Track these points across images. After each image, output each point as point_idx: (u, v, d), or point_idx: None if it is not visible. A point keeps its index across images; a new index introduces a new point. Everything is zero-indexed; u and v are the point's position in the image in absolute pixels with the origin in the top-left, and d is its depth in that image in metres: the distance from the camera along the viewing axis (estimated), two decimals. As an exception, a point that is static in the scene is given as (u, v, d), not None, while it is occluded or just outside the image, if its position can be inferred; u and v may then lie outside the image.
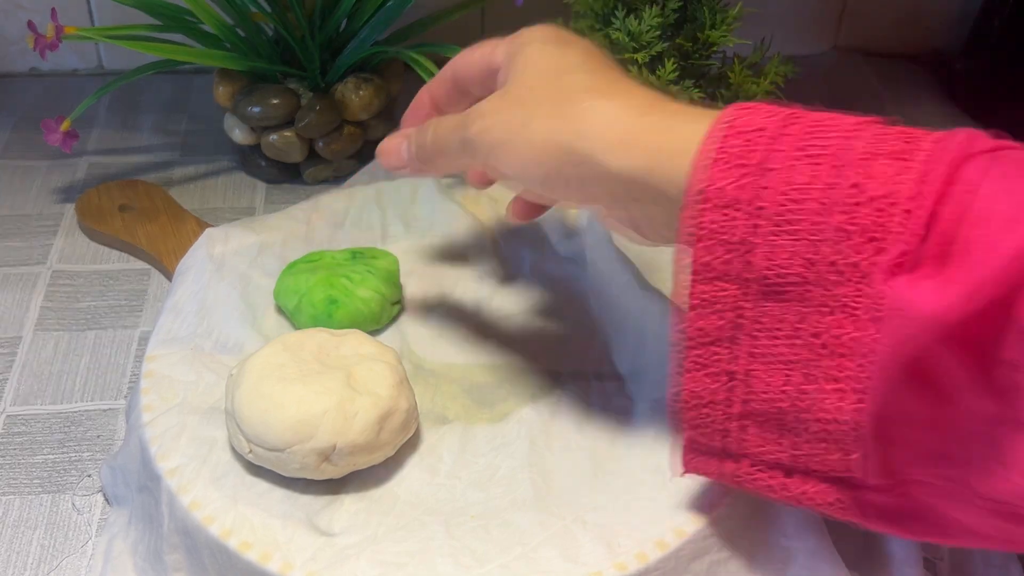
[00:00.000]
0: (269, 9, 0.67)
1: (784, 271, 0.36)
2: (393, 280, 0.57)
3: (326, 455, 0.45)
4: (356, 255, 0.58)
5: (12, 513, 0.50)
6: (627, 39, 0.65)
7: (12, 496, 0.51)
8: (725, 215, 0.36)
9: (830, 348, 0.36)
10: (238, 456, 0.47)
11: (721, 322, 0.38)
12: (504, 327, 0.56)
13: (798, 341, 0.37)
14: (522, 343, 0.56)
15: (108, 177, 0.74)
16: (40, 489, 0.52)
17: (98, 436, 0.54)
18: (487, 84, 0.47)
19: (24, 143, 0.77)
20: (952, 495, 0.37)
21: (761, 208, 0.36)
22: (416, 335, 0.56)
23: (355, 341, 0.50)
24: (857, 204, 0.35)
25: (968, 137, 0.36)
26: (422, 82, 0.65)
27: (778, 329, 0.37)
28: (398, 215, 0.64)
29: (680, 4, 0.66)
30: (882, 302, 0.34)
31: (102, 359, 0.59)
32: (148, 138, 0.79)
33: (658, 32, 0.65)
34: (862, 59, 0.92)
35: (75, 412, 0.56)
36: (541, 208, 0.52)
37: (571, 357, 0.55)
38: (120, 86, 0.68)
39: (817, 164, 0.36)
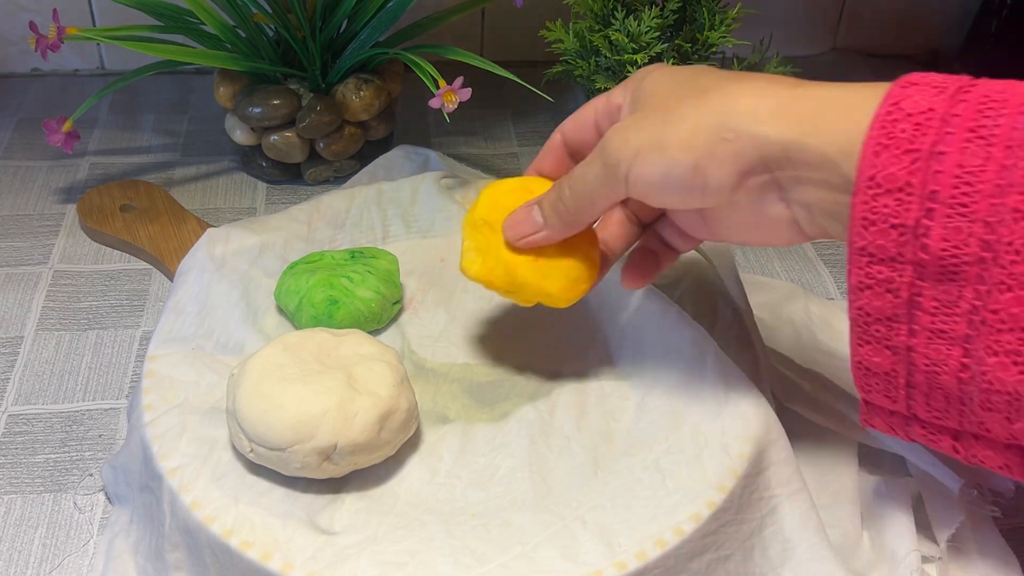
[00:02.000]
0: (270, 10, 0.68)
1: (960, 252, 0.37)
2: (393, 280, 0.57)
3: (327, 454, 0.45)
4: (356, 255, 0.58)
5: (14, 512, 0.50)
6: (626, 40, 0.65)
7: (14, 495, 0.51)
8: (898, 200, 0.37)
9: (1009, 324, 0.37)
10: (239, 455, 0.47)
11: (896, 300, 0.39)
12: (504, 327, 0.57)
13: (975, 318, 0.37)
14: (522, 343, 0.56)
15: (109, 177, 0.74)
16: (42, 488, 0.52)
17: (99, 435, 0.55)
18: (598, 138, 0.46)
19: (26, 143, 0.78)
20: None
21: (934, 192, 0.36)
22: (416, 335, 0.56)
23: (355, 341, 0.50)
24: None
25: None
26: (422, 83, 0.65)
27: (954, 306, 0.38)
28: (398, 215, 0.64)
29: (679, 5, 0.66)
30: None
31: (103, 359, 0.59)
32: (149, 138, 0.79)
33: (657, 33, 0.65)
34: (861, 60, 0.92)
35: (77, 412, 0.56)
36: (654, 270, 0.50)
37: (571, 357, 0.55)
38: (121, 87, 0.68)
39: (990, 146, 0.36)
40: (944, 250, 0.37)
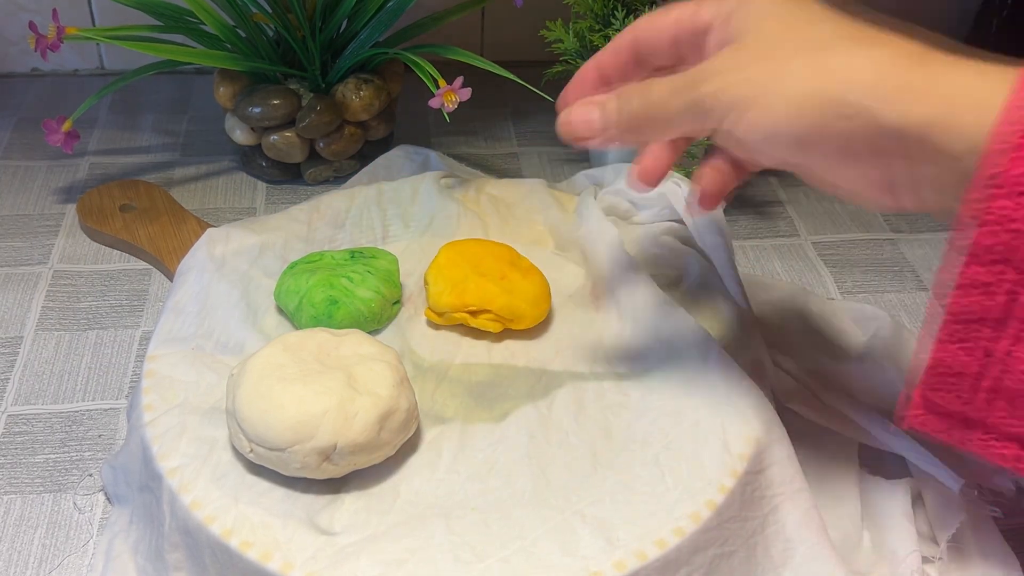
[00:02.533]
0: (270, 10, 0.68)
1: None
2: (393, 280, 0.57)
3: (327, 455, 0.45)
4: (356, 255, 0.58)
5: (14, 512, 0.50)
6: (627, 40, 0.65)
7: (14, 495, 0.51)
8: (1019, 204, 0.34)
9: None
10: (239, 456, 0.47)
11: (991, 303, 0.36)
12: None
13: None
14: (521, 342, 0.56)
15: (109, 177, 0.74)
16: (41, 488, 0.52)
17: (99, 436, 0.55)
18: (683, 51, 0.43)
19: (25, 143, 0.78)
20: None
21: None
22: (416, 335, 0.56)
23: (355, 341, 0.50)
24: None
25: None
26: (422, 83, 0.65)
27: None
28: (398, 215, 0.64)
29: (680, 5, 0.66)
30: None
31: (103, 359, 0.59)
32: (149, 138, 0.79)
33: (658, 33, 0.65)
34: (861, 59, 0.92)
35: (76, 412, 0.56)
36: (727, 188, 0.45)
37: (570, 356, 0.55)
38: (121, 86, 0.68)
39: None
40: None
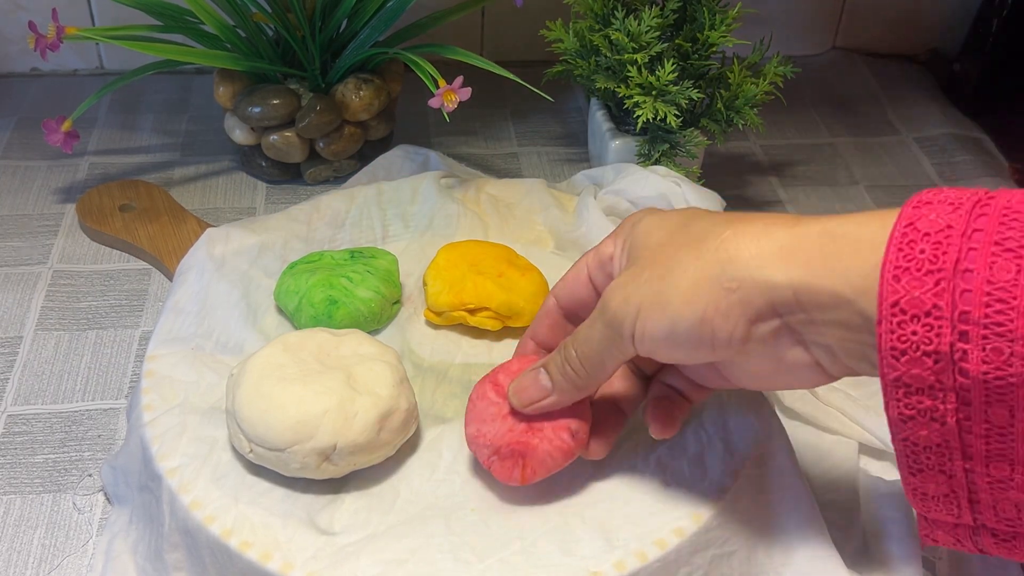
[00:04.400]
0: (270, 10, 0.68)
1: (1005, 372, 0.34)
2: (393, 280, 0.57)
3: (326, 455, 0.45)
4: (356, 255, 0.58)
5: (13, 512, 0.50)
6: (627, 40, 0.65)
7: (13, 495, 0.51)
8: (927, 326, 0.35)
9: None
10: (239, 456, 0.47)
11: (943, 428, 0.36)
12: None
13: None
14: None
15: (109, 177, 0.74)
16: (41, 488, 0.52)
17: (99, 436, 0.55)
18: (601, 290, 0.45)
19: (25, 143, 0.77)
20: None
21: (965, 313, 0.34)
22: (416, 335, 0.56)
23: (355, 341, 0.50)
24: None
25: None
26: (422, 83, 0.65)
27: (1009, 428, 0.35)
28: (398, 215, 0.64)
29: (679, 5, 0.66)
30: None
31: (103, 359, 0.59)
32: (149, 138, 0.79)
33: (657, 33, 0.65)
34: (861, 59, 0.92)
35: (76, 412, 0.56)
36: (677, 417, 0.46)
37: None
38: (121, 86, 0.68)
39: (1019, 258, 0.34)
40: (985, 372, 0.34)
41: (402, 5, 0.68)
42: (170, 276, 0.64)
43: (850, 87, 0.89)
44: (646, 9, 0.65)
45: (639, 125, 0.65)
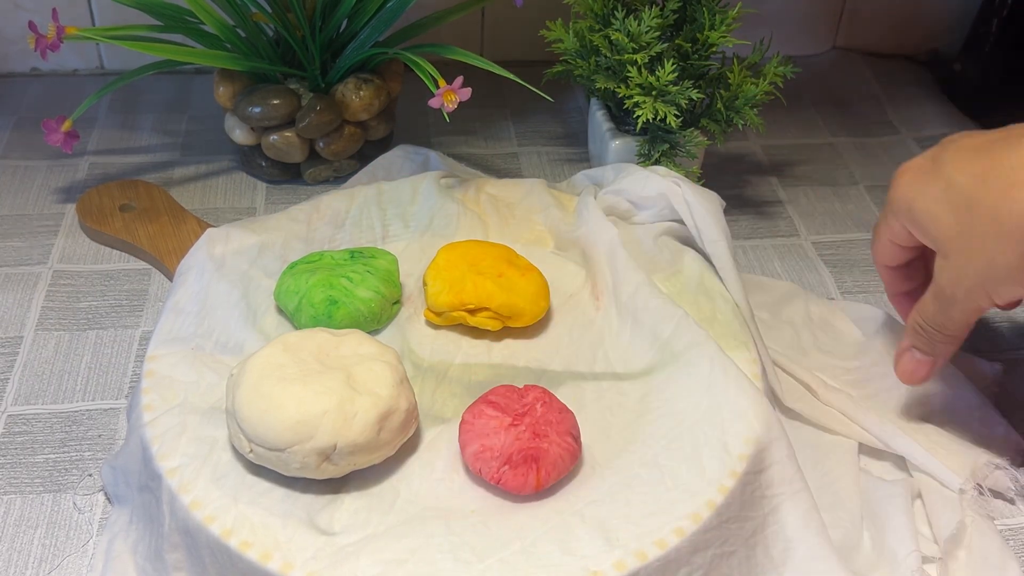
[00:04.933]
0: (269, 10, 0.68)
1: None
2: (393, 280, 0.57)
3: (326, 455, 0.45)
4: (356, 255, 0.58)
5: (13, 512, 0.50)
6: (627, 40, 0.65)
7: (13, 495, 0.51)
8: None
9: None
10: (239, 456, 0.47)
11: None
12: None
13: None
14: (521, 342, 0.56)
15: (109, 177, 0.74)
16: (41, 488, 0.52)
17: (99, 436, 0.55)
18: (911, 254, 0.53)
19: (25, 143, 0.77)
20: None
21: None
22: (416, 335, 0.56)
23: (355, 341, 0.50)
24: None
25: None
26: (422, 83, 0.65)
27: None
28: (398, 215, 0.64)
29: (679, 5, 0.66)
30: None
31: (103, 359, 0.59)
32: (149, 138, 0.79)
33: (658, 33, 0.65)
34: (861, 59, 0.92)
35: (76, 412, 0.56)
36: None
37: (570, 356, 0.55)
38: (121, 86, 0.68)
39: None
40: None
41: (402, 5, 0.68)
42: (170, 276, 0.64)
43: (850, 87, 0.89)
44: (646, 9, 0.65)
45: (639, 125, 0.65)
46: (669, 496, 0.46)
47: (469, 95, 0.64)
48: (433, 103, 0.64)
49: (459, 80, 0.64)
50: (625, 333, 0.56)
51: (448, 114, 0.64)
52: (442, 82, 0.64)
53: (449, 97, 0.64)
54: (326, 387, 0.46)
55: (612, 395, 0.52)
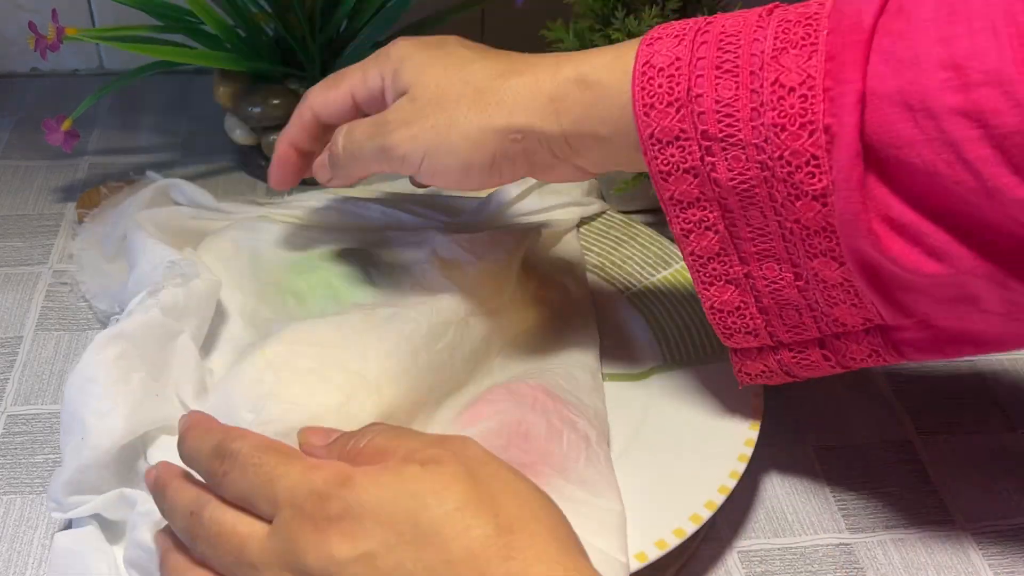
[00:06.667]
0: (270, 9, 0.68)
1: (746, 177, 0.40)
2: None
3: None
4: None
5: (13, 512, 0.50)
6: (627, 39, 0.65)
7: (13, 495, 0.51)
8: (680, 147, 0.41)
9: (812, 227, 0.40)
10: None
11: (717, 236, 0.42)
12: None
13: (784, 231, 0.41)
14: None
15: (109, 177, 0.74)
16: (41, 489, 0.52)
17: (99, 436, 0.54)
18: (365, 111, 0.50)
19: (25, 143, 0.77)
20: (975, 320, 0.42)
21: (705, 131, 0.40)
22: None
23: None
24: (781, 99, 0.38)
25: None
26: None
27: (765, 227, 0.41)
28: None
29: (680, 4, 0.66)
30: (828, 172, 0.38)
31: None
32: (148, 138, 0.79)
33: (658, 32, 0.65)
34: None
35: (76, 412, 0.56)
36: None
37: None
38: (121, 86, 0.68)
39: (736, 76, 0.39)
40: (731, 179, 0.40)
41: (402, 5, 0.68)
42: (170, 276, 0.64)
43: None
44: (646, 9, 0.65)
45: (639, 125, 0.65)
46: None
47: None
48: None
49: None
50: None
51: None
52: None
53: None
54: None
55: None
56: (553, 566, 0.33)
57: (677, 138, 0.40)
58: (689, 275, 0.59)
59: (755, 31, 0.40)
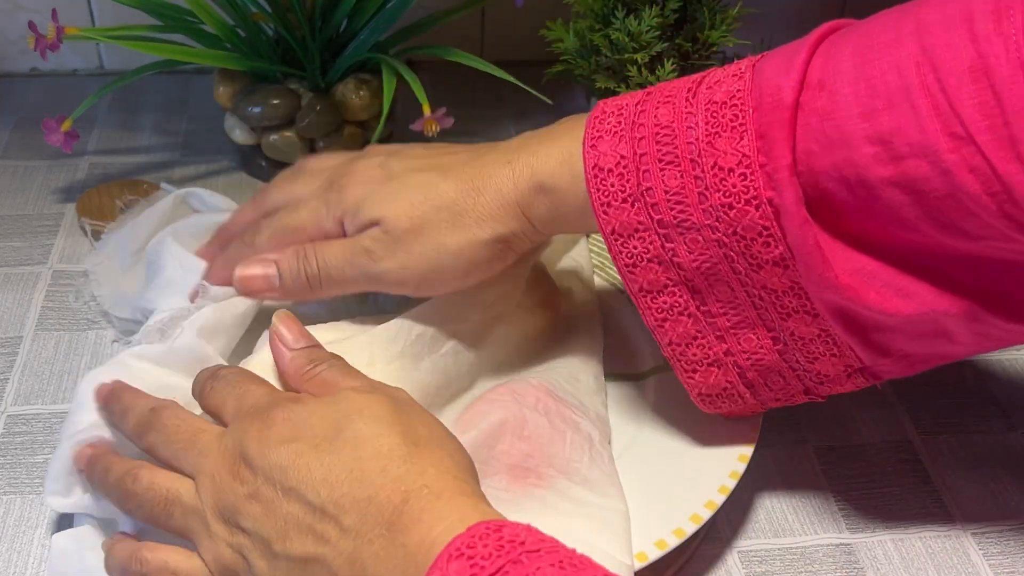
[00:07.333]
0: (270, 9, 0.68)
1: (707, 256, 0.42)
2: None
3: None
4: None
5: (13, 513, 0.50)
6: (627, 39, 0.65)
7: (13, 496, 0.51)
8: (641, 239, 0.43)
9: (779, 288, 0.42)
10: None
11: (691, 319, 0.44)
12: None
13: (754, 298, 0.43)
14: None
15: (109, 177, 0.74)
16: (41, 489, 0.52)
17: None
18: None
19: (25, 143, 0.77)
20: (948, 348, 0.44)
21: (660, 219, 0.42)
22: None
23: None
24: (723, 180, 0.41)
25: (776, 73, 0.42)
26: (422, 83, 0.65)
27: (734, 299, 0.43)
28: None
29: (680, 4, 0.66)
30: (783, 240, 0.41)
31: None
32: (149, 138, 0.79)
33: (658, 32, 0.65)
34: (861, 59, 0.92)
35: (76, 412, 0.56)
36: None
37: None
38: (121, 86, 0.68)
39: (678, 166, 0.42)
40: (693, 261, 0.43)
41: (402, 5, 0.68)
42: (170, 276, 0.64)
43: (850, 87, 0.89)
44: (646, 9, 0.65)
45: (639, 125, 0.65)
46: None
47: (451, 124, 0.65)
48: (415, 127, 0.65)
49: (442, 110, 0.64)
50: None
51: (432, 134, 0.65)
52: (427, 109, 0.64)
53: (430, 126, 0.64)
54: None
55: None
56: (444, 475, 0.38)
57: (636, 230, 0.43)
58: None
59: (686, 118, 0.42)
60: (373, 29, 0.69)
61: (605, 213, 0.43)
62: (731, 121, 0.41)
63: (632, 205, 0.43)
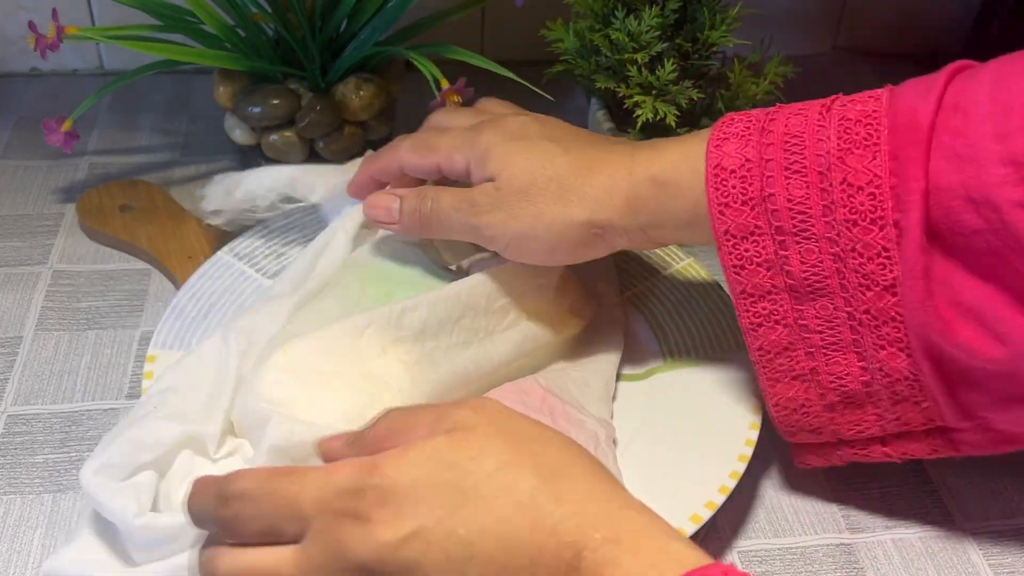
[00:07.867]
0: (269, 9, 0.67)
1: (819, 268, 0.42)
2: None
3: None
4: None
5: (13, 513, 0.50)
6: (627, 39, 0.65)
7: (13, 496, 0.51)
8: (755, 242, 0.43)
9: (881, 317, 0.42)
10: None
11: (786, 329, 0.44)
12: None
13: (854, 322, 0.43)
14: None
15: (109, 177, 0.74)
16: (41, 489, 0.52)
17: (99, 436, 0.54)
18: (447, 180, 0.53)
19: (25, 143, 0.77)
20: None
21: (779, 227, 0.42)
22: None
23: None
24: (851, 197, 0.41)
25: (913, 96, 0.43)
26: (423, 81, 0.65)
27: (833, 318, 0.43)
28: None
29: (680, 4, 0.66)
30: (897, 266, 0.41)
31: (103, 359, 0.59)
32: (149, 138, 0.79)
33: (658, 32, 0.65)
34: (861, 59, 0.92)
35: (76, 412, 0.56)
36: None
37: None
38: (121, 86, 0.68)
39: (805, 176, 0.42)
40: (804, 271, 0.42)
41: (402, 5, 0.68)
42: (170, 276, 0.64)
43: (850, 87, 0.89)
44: (646, 9, 0.65)
45: (639, 125, 0.65)
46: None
47: (472, 95, 0.64)
48: (434, 106, 0.64)
49: (462, 81, 0.64)
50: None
51: (448, 114, 0.64)
52: (444, 83, 0.64)
53: (452, 98, 0.64)
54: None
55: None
56: (604, 504, 0.35)
57: (752, 233, 0.43)
58: (690, 274, 0.59)
59: (817, 131, 0.42)
60: (373, 29, 0.69)
61: (721, 213, 0.43)
62: (864, 139, 0.41)
63: (752, 208, 0.43)
